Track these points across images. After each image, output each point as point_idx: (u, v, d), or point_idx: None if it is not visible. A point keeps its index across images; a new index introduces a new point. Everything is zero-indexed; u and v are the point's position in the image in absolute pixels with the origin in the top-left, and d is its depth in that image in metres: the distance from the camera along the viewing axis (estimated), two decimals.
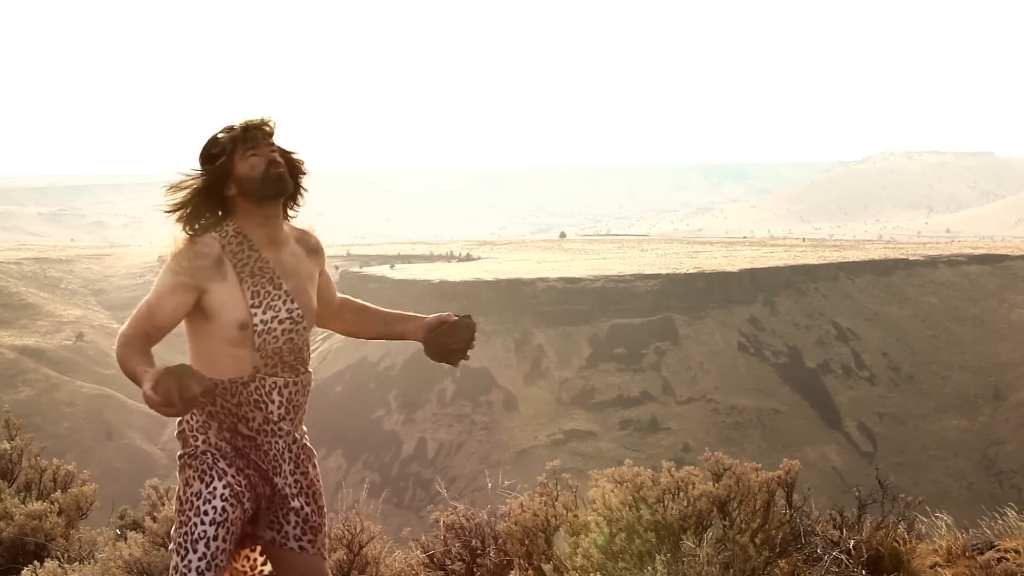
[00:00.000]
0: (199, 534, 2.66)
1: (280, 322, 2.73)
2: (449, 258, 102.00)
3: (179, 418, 2.77)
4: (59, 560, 4.72)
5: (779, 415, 64.51)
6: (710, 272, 76.15)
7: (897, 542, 4.23)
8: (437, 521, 4.69)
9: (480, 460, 59.71)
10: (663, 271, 76.84)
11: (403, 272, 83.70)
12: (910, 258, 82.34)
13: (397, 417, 65.91)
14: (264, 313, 2.71)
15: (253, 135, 2.71)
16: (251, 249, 2.72)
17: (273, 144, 2.75)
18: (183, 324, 2.74)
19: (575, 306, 72.63)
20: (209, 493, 2.69)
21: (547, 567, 4.21)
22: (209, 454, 2.74)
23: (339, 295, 3.09)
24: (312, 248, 2.91)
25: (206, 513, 2.68)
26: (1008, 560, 4.17)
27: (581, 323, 71.77)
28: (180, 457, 2.79)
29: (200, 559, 2.64)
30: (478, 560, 4.58)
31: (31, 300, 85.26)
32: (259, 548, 2.92)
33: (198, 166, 2.73)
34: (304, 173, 2.84)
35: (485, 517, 4.72)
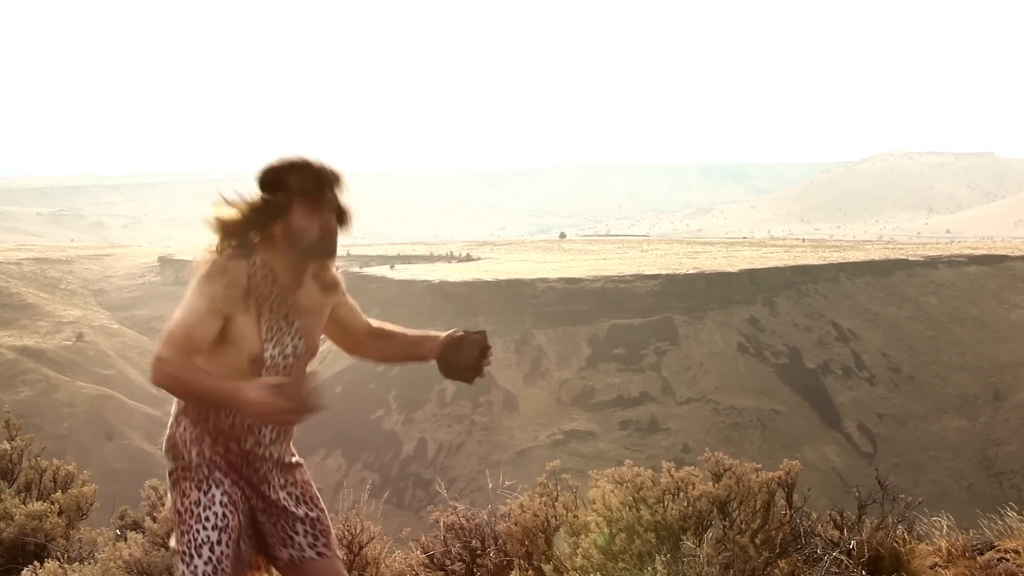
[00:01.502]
0: (202, 539, 2.67)
1: (284, 357, 2.76)
2: (449, 258, 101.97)
3: (169, 430, 2.82)
4: (59, 560, 4.72)
5: (779, 416, 64.48)
6: (710, 273, 76.12)
7: (897, 543, 4.23)
8: (437, 521, 4.69)
9: (480, 460, 59.69)
10: (663, 272, 76.81)
11: (403, 272, 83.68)
12: (910, 259, 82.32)
13: (397, 417, 65.89)
14: (274, 348, 2.73)
15: (323, 195, 2.68)
16: (274, 284, 2.72)
17: (334, 203, 2.71)
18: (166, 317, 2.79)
19: (575, 306, 72.61)
20: (208, 500, 2.71)
21: (547, 567, 4.21)
22: (204, 466, 2.75)
23: (368, 321, 3.08)
24: (328, 285, 2.89)
25: (207, 519, 2.69)
26: (1008, 560, 4.17)
27: (581, 323, 71.75)
28: (173, 472, 2.78)
29: (206, 563, 2.65)
30: (478, 560, 4.58)
31: (31, 300, 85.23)
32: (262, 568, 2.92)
33: (258, 180, 2.69)
34: (348, 228, 2.81)
35: (485, 517, 4.73)
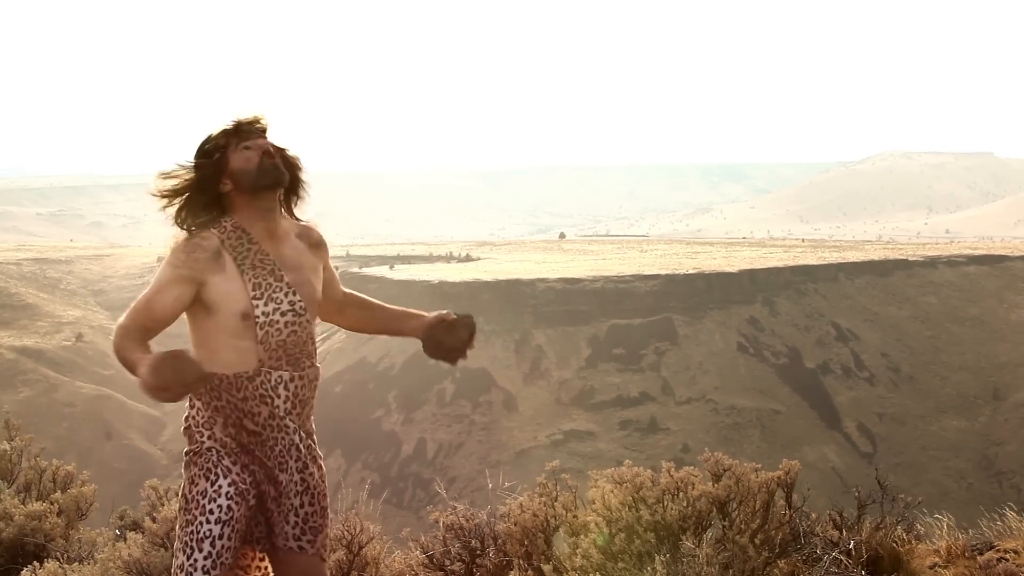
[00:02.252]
0: (204, 533, 2.65)
1: (283, 314, 2.73)
2: (448, 258, 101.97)
3: (185, 413, 2.79)
4: (59, 560, 4.72)
5: (779, 415, 64.49)
6: (709, 273, 76.14)
7: (896, 543, 4.23)
8: (436, 521, 4.69)
9: (479, 460, 59.69)
10: (662, 272, 76.83)
11: (402, 273, 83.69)
12: (909, 259, 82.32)
13: (396, 417, 65.91)
14: (266, 305, 2.71)
15: (246, 130, 2.74)
16: (250, 242, 2.73)
17: (266, 138, 2.77)
18: (186, 323, 2.75)
19: (574, 306, 72.63)
20: (215, 491, 2.69)
21: (547, 567, 4.21)
22: (214, 451, 2.73)
23: (344, 290, 3.10)
24: (315, 242, 2.92)
25: (212, 512, 2.67)
26: (1008, 560, 4.17)
27: (580, 323, 71.77)
28: (186, 454, 2.78)
29: (206, 558, 2.64)
30: (477, 561, 4.58)
31: (30, 301, 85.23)
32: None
33: (195, 159, 2.74)
34: (300, 168, 2.85)
35: (484, 517, 4.73)
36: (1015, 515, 4.55)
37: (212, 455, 2.73)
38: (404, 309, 3.09)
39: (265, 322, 2.70)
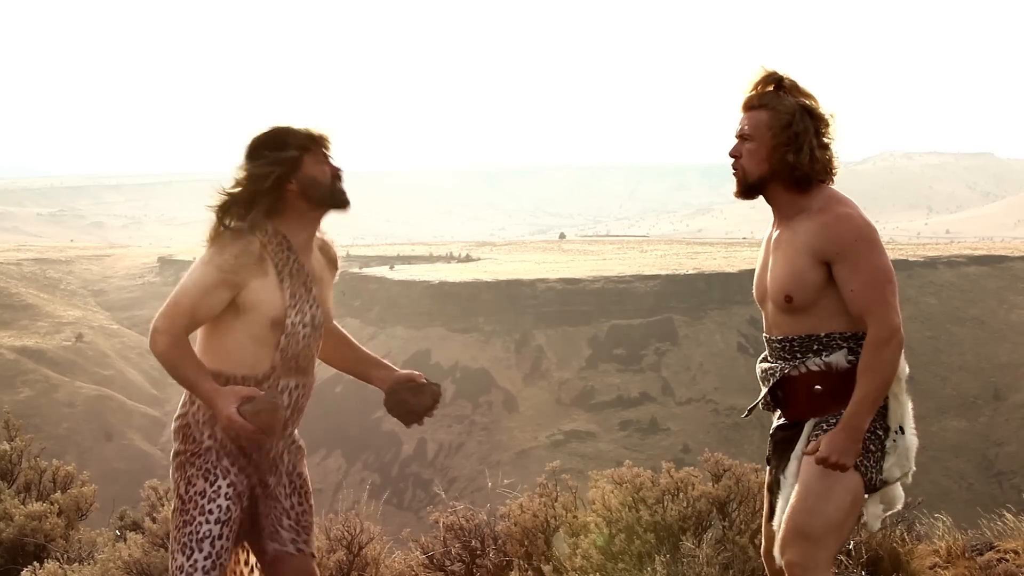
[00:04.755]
0: (204, 533, 2.65)
1: (304, 325, 2.75)
2: (449, 259, 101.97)
3: (181, 409, 2.78)
4: (59, 561, 4.72)
5: None
6: (710, 273, 76.17)
7: (896, 543, 4.23)
8: (437, 522, 4.69)
9: (480, 461, 59.70)
10: (663, 272, 76.87)
11: (403, 272, 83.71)
12: (910, 259, 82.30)
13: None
14: (296, 315, 2.73)
15: (326, 144, 2.77)
16: (290, 251, 2.74)
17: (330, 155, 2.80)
18: None
19: (575, 307, 72.64)
20: (213, 492, 2.68)
21: (547, 568, 4.21)
22: (214, 451, 2.72)
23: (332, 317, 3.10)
24: (331, 259, 2.96)
25: (211, 512, 2.67)
26: (1008, 561, 4.17)
27: (581, 324, 71.78)
28: (180, 454, 2.75)
29: (206, 558, 2.64)
30: (478, 561, 4.59)
31: (31, 301, 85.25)
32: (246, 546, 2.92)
33: (255, 152, 2.72)
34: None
35: (485, 518, 4.73)
36: (1015, 516, 4.55)
37: (212, 455, 2.71)
38: (377, 357, 3.07)
39: (291, 331, 2.71)
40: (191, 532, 2.66)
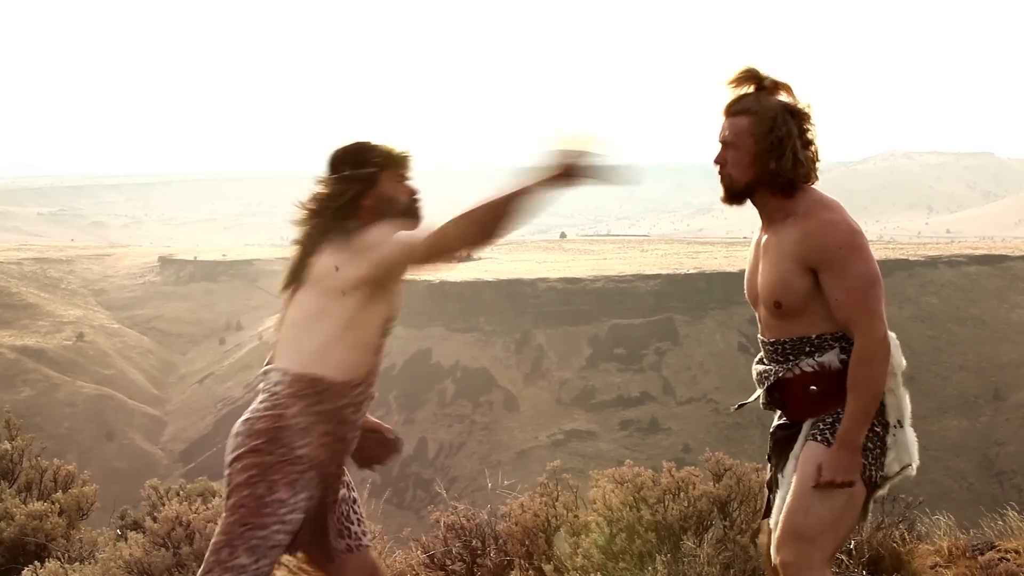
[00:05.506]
0: (276, 542, 2.64)
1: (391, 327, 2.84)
2: None
3: (272, 411, 2.67)
4: (60, 560, 4.73)
5: None
6: (710, 272, 76.14)
7: (897, 543, 4.23)
8: (437, 521, 4.69)
9: (480, 460, 59.70)
10: (663, 271, 76.86)
11: None
12: (910, 259, 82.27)
13: (397, 417, 65.88)
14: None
15: (405, 164, 2.83)
16: None
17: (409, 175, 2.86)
18: (321, 309, 2.68)
19: (575, 306, 72.63)
20: (293, 503, 2.65)
21: (547, 567, 4.21)
22: (306, 460, 2.67)
23: None
24: None
25: (286, 523, 2.65)
26: (1008, 560, 4.17)
27: (581, 323, 71.77)
28: (262, 454, 2.65)
29: (268, 565, 2.65)
30: (478, 560, 4.59)
31: (31, 300, 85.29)
32: None
33: (336, 165, 2.77)
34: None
35: (485, 517, 4.73)
36: (1016, 515, 4.55)
37: (301, 465, 2.67)
38: None
39: (390, 333, 2.79)
40: (264, 537, 2.62)
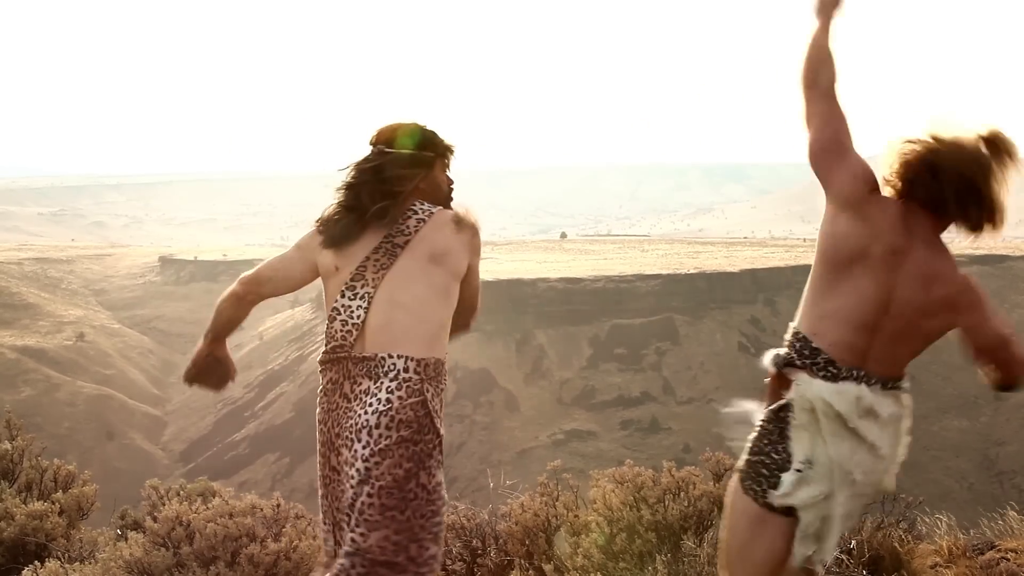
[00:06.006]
0: (444, 523, 2.72)
1: None
2: None
3: (414, 398, 2.64)
4: (60, 560, 4.73)
5: None
6: (711, 272, 76.13)
7: (897, 542, 4.23)
8: None
9: (481, 460, 59.69)
10: (664, 271, 76.82)
11: None
12: None
13: None
14: None
15: (452, 154, 2.94)
16: None
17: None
18: (445, 290, 2.74)
19: (576, 306, 72.61)
20: (442, 482, 2.72)
21: (548, 567, 4.21)
22: (442, 440, 2.72)
23: None
24: None
25: (446, 503, 2.73)
26: (1009, 560, 4.17)
27: (582, 323, 71.75)
28: (418, 443, 2.64)
29: (440, 548, 2.72)
30: (479, 560, 4.59)
31: (32, 300, 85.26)
32: None
33: (400, 141, 2.85)
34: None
35: (486, 517, 4.73)
36: (1016, 515, 4.55)
37: (441, 445, 2.71)
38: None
39: None
40: (440, 522, 2.68)
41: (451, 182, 2.91)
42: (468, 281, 2.81)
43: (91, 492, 5.83)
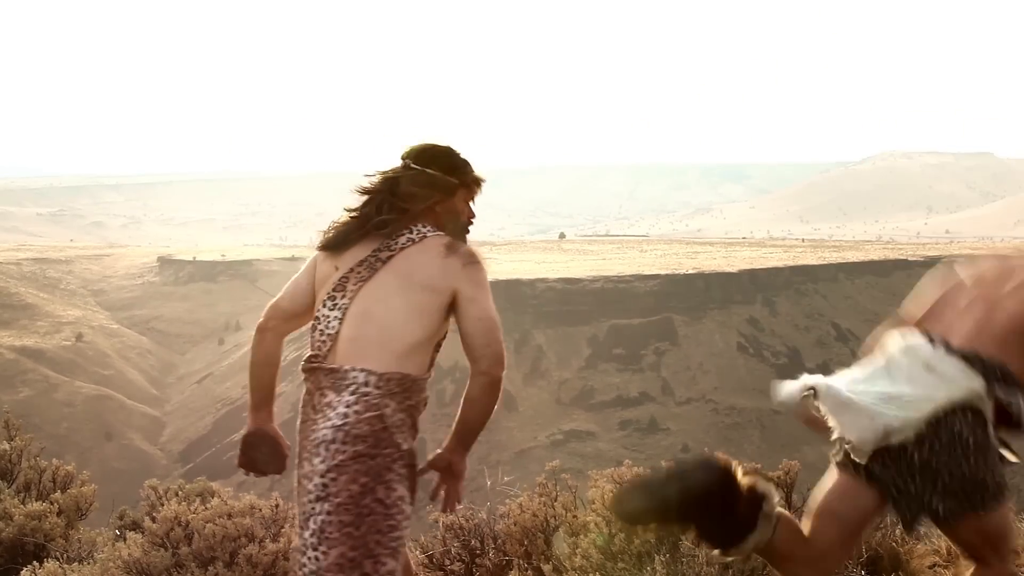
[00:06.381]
0: (404, 537, 2.67)
1: None
2: None
3: (371, 413, 2.62)
4: (59, 560, 4.72)
5: (778, 416, 64.45)
6: (709, 273, 76.15)
7: (896, 542, 4.23)
8: (436, 521, 4.69)
9: (479, 460, 59.59)
10: (662, 272, 76.84)
11: None
12: (909, 259, 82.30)
13: None
14: None
15: (478, 189, 2.89)
16: None
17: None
18: (422, 309, 2.71)
19: (574, 307, 72.61)
20: (406, 495, 2.69)
21: (546, 567, 4.21)
22: (408, 455, 2.69)
23: None
24: None
25: (407, 517, 2.67)
26: None
27: (580, 323, 71.75)
28: (373, 459, 2.60)
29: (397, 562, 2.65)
30: (477, 560, 4.58)
31: (30, 300, 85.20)
32: None
33: (426, 161, 2.81)
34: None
35: (484, 517, 4.73)
36: (1015, 515, 4.55)
37: (404, 459, 2.67)
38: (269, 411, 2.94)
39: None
40: (399, 537, 2.62)
41: (472, 215, 2.85)
42: (465, 313, 2.71)
43: (90, 492, 5.82)
